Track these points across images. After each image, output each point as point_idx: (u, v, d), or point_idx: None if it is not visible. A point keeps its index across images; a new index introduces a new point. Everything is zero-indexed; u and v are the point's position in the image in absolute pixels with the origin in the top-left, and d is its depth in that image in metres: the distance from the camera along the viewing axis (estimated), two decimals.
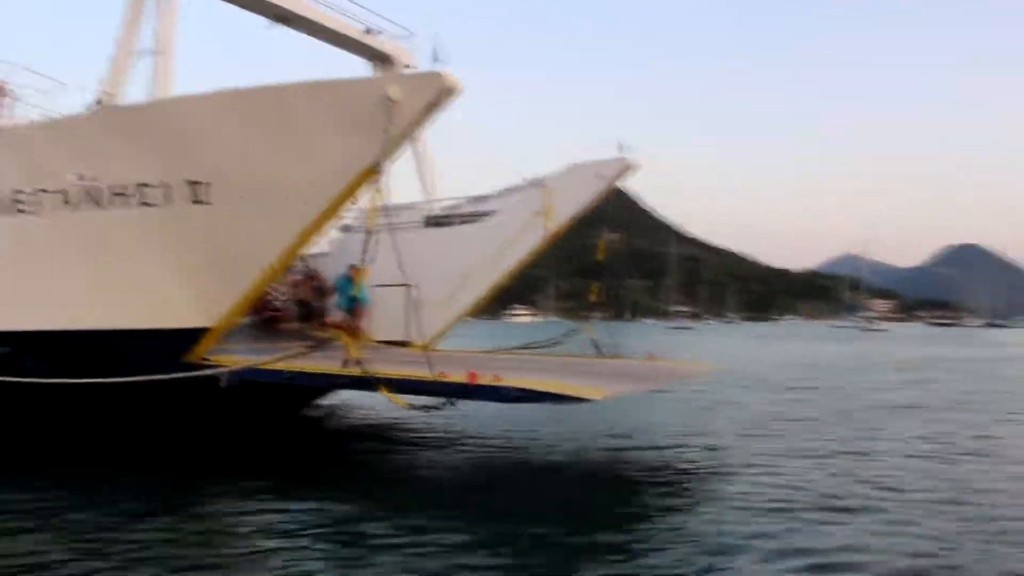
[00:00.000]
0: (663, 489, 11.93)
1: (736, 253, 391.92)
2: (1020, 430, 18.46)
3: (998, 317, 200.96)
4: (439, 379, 11.63)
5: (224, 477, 12.36)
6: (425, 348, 18.91)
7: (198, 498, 11.29)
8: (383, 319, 18.88)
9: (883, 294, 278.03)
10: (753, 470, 13.12)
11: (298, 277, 20.72)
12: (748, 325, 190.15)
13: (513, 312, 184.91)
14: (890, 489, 11.88)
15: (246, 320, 18.40)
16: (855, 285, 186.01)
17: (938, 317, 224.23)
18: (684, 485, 12.23)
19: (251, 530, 9.83)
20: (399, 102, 11.52)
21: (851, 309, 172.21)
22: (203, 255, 13.13)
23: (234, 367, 12.96)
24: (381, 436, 16.62)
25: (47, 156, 13.72)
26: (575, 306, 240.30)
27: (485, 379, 11.40)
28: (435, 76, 11.77)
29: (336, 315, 14.26)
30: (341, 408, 20.20)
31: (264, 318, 19.79)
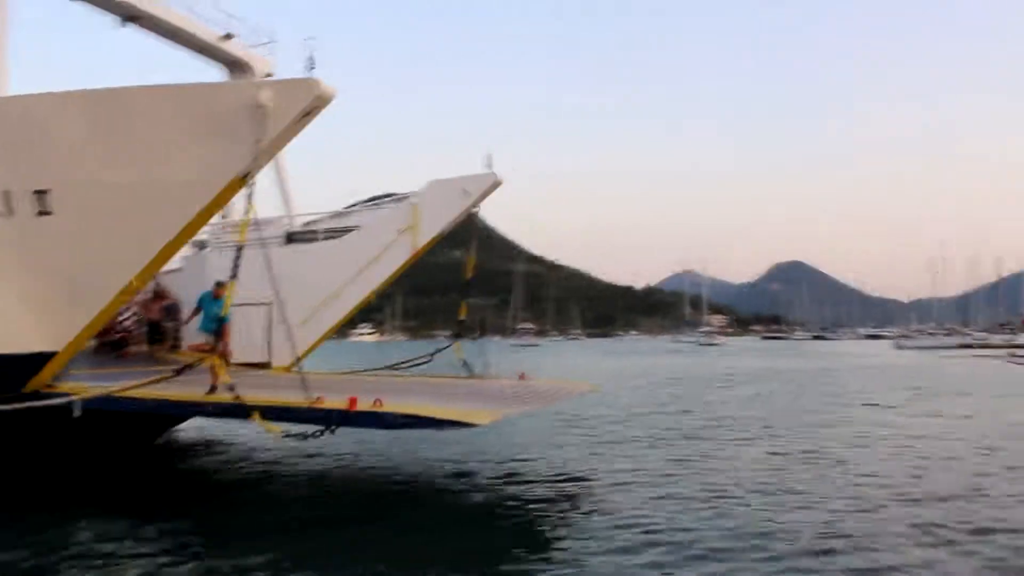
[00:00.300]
0: (521, 512, 11.49)
1: (579, 271, 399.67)
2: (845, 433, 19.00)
3: (823, 329, 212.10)
4: (316, 405, 10.89)
5: (68, 511, 11.15)
6: (287, 370, 18.09)
7: (37, 534, 10.09)
8: (241, 340, 17.90)
9: (719, 309, 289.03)
10: (612, 491, 12.78)
11: (147, 296, 19.42)
12: (592, 341, 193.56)
13: (358, 331, 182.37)
14: (741, 505, 11.75)
15: (90, 343, 17.09)
16: (695, 302, 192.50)
17: (770, 331, 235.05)
18: (542, 507, 11.75)
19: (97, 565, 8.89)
20: (271, 109, 10.76)
21: (690, 324, 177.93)
22: (50, 272, 11.92)
23: (87, 395, 11.81)
24: (241, 462, 15.65)
25: None
26: (419, 325, 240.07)
27: (366, 404, 10.75)
28: (309, 83, 11.07)
29: (198, 337, 13.14)
30: (199, 435, 18.97)
31: (110, 341, 18.43)
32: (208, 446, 17.81)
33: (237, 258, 11.06)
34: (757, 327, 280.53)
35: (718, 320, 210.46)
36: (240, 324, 17.25)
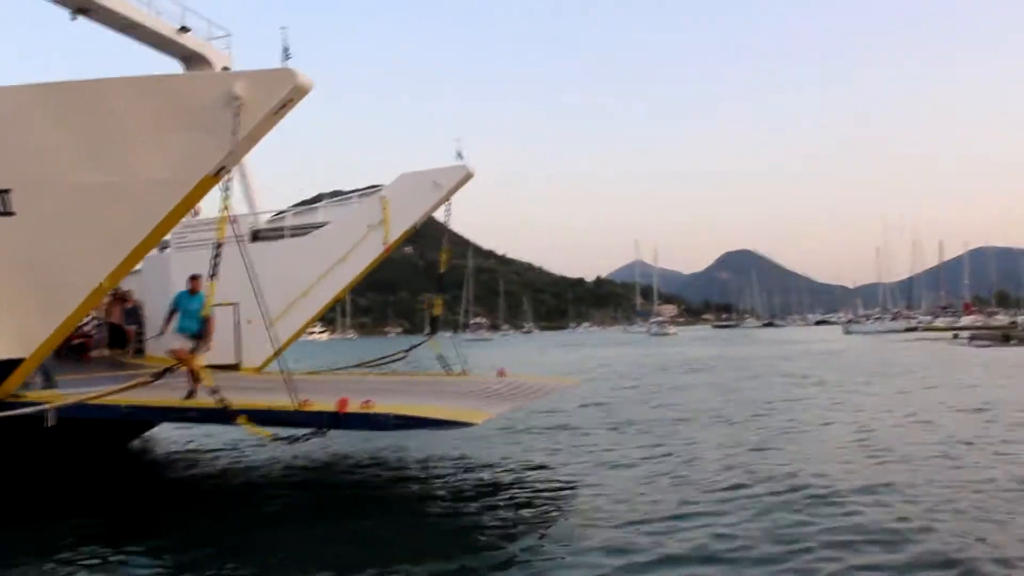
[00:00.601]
0: (493, 509, 11.16)
1: (530, 264, 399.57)
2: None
3: (774, 317, 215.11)
4: (304, 408, 10.46)
5: (42, 523, 10.65)
6: (257, 371, 17.64)
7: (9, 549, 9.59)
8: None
9: (670, 299, 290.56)
10: (576, 484, 12.60)
11: (107, 299, 18.76)
12: (545, 334, 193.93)
13: (308, 329, 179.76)
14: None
15: None
16: (646, 292, 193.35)
17: (721, 319, 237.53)
18: (513, 505, 11.40)
19: None
20: (246, 101, 10.30)
21: (642, 315, 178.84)
22: (14, 275, 11.32)
23: (61, 403, 11.25)
24: (210, 466, 15.18)
25: None
26: (370, 322, 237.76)
27: (355, 406, 10.36)
28: (286, 73, 10.61)
29: (176, 340, 12.30)
30: (162, 440, 18.41)
31: (71, 346, 17.75)
32: (176, 449, 17.30)
33: (216, 256, 10.60)
34: (708, 316, 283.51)
35: (669, 310, 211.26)
36: None
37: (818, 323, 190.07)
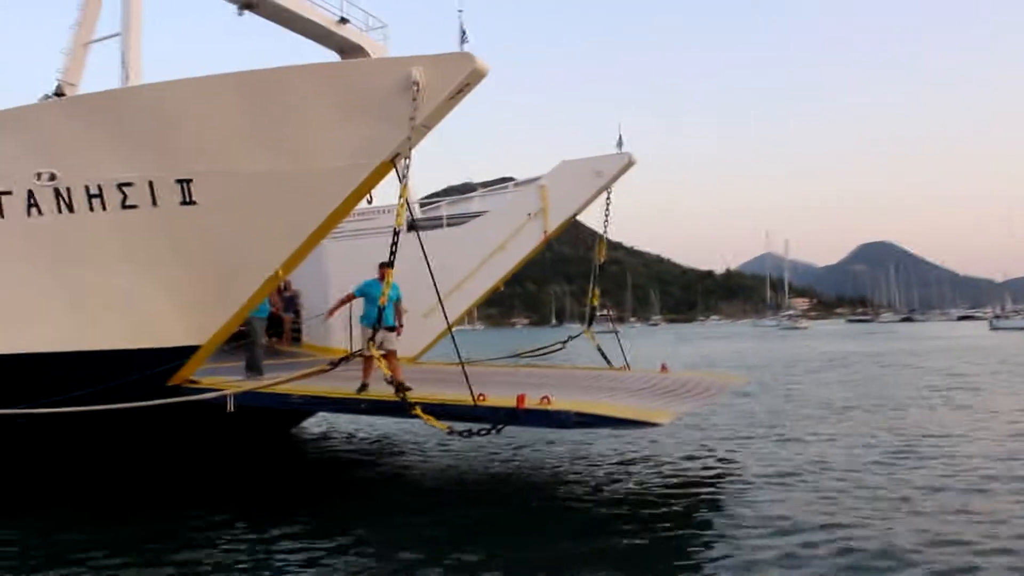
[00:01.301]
0: (646, 512, 10.47)
1: (659, 256, 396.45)
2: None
3: (912, 311, 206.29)
4: (481, 403, 10.15)
5: (227, 511, 10.75)
6: (412, 361, 17.59)
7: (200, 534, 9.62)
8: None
9: (802, 292, 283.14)
10: (737, 489, 11.79)
11: None
12: (673, 327, 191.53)
13: None
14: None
15: None
16: (776, 284, 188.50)
17: (856, 313, 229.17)
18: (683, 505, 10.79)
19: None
20: (424, 86, 10.06)
21: (772, 308, 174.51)
22: (194, 263, 11.40)
23: (239, 390, 11.28)
24: (374, 454, 15.19)
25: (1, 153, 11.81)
26: (498, 314, 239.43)
27: (534, 402, 9.99)
28: (464, 58, 10.32)
29: (366, 334, 11.51)
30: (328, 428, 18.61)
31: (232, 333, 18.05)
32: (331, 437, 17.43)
33: (394, 243, 10.38)
34: (842, 310, 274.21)
35: (801, 303, 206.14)
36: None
37: (961, 318, 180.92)
